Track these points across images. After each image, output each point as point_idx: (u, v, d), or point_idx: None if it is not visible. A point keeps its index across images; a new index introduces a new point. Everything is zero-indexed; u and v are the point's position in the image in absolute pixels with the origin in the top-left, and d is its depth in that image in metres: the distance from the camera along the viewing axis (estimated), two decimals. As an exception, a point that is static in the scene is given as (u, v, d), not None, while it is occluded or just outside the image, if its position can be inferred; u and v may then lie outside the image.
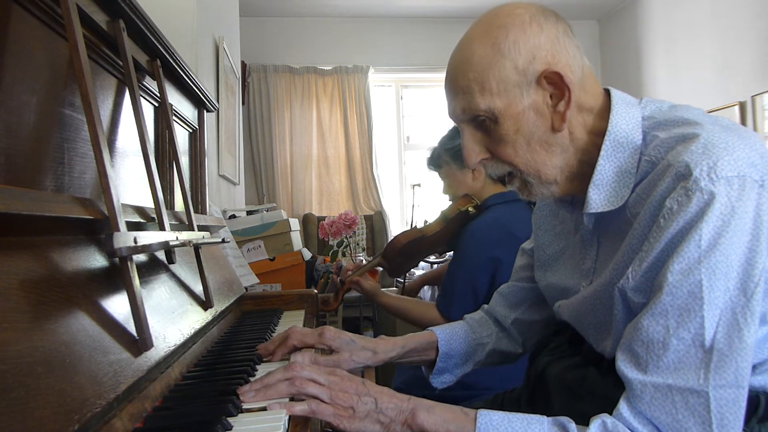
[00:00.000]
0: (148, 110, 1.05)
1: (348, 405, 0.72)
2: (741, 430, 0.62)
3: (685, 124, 0.71)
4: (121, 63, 0.86)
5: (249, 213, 2.71)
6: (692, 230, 0.63)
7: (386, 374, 2.47)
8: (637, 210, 0.72)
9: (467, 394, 1.41)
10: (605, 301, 0.76)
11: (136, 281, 0.70)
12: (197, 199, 1.40)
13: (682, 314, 0.63)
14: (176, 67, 1.10)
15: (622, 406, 0.66)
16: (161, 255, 0.94)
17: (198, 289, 1.06)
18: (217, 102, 2.53)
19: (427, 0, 4.83)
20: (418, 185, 2.40)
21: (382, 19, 5.15)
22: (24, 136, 0.63)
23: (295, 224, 2.57)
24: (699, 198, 0.63)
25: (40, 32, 0.67)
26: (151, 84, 1.03)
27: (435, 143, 1.78)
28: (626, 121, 0.75)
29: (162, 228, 0.86)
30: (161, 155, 1.11)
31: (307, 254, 2.55)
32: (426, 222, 1.76)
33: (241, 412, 0.70)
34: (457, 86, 0.78)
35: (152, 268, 0.89)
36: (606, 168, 0.75)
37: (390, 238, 4.72)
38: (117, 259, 0.71)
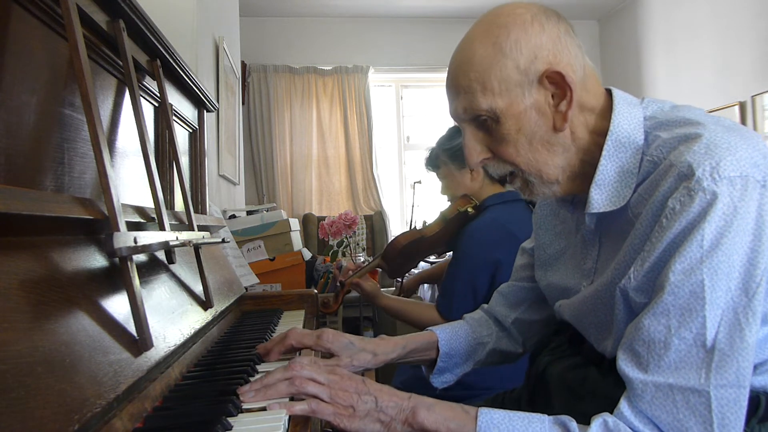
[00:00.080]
0: (148, 110, 1.05)
1: (348, 404, 0.72)
2: (742, 429, 0.62)
3: (688, 124, 0.71)
4: (121, 63, 0.86)
5: (249, 213, 2.71)
6: (694, 230, 0.63)
7: (386, 374, 2.47)
8: (639, 210, 0.72)
9: (467, 394, 1.41)
10: (606, 300, 0.76)
11: (136, 281, 0.70)
12: (197, 199, 1.40)
13: (684, 314, 0.63)
14: (176, 67, 1.10)
15: (623, 406, 0.66)
16: (161, 255, 0.94)
17: (198, 289, 1.06)
18: (217, 102, 2.53)
19: (427, 0, 4.83)
20: (419, 182, 2.40)
21: (382, 19, 5.15)
22: (24, 136, 0.63)
23: (295, 224, 2.57)
24: (701, 198, 0.63)
25: (40, 32, 0.67)
26: (151, 84, 1.03)
27: (434, 143, 1.78)
28: (628, 121, 0.75)
29: (162, 228, 0.86)
30: (161, 155, 1.11)
31: (307, 254, 2.55)
32: (425, 223, 1.76)
33: (241, 412, 0.70)
34: (459, 86, 0.77)
35: (152, 268, 0.89)
36: (608, 168, 0.75)
37: (390, 238, 4.73)
38: (117, 259, 0.71)
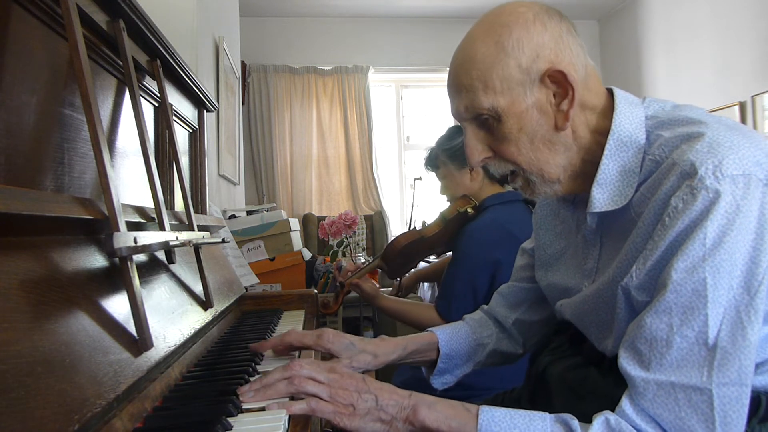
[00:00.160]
0: (148, 110, 1.05)
1: (348, 402, 0.72)
2: (744, 427, 0.62)
3: (690, 123, 0.71)
4: (121, 63, 0.86)
5: (249, 213, 2.71)
6: (697, 228, 0.63)
7: (386, 375, 2.47)
8: (641, 209, 0.72)
9: (467, 394, 1.40)
10: (608, 299, 0.76)
11: (136, 281, 0.70)
12: (197, 199, 1.40)
13: (686, 312, 0.63)
14: (176, 67, 1.10)
15: (625, 404, 0.66)
16: (161, 255, 0.94)
17: (198, 289, 1.06)
18: (217, 102, 2.53)
19: (427, 0, 4.83)
20: (420, 179, 2.40)
21: (382, 19, 5.15)
22: (24, 136, 0.63)
23: (295, 224, 2.57)
24: (704, 196, 0.63)
25: (40, 32, 0.67)
26: (151, 84, 1.03)
27: (434, 143, 1.78)
28: (630, 120, 0.75)
29: (162, 228, 0.86)
30: (161, 155, 1.11)
31: (307, 254, 2.55)
32: (424, 223, 1.76)
33: (241, 412, 0.70)
34: (461, 85, 0.77)
35: (152, 268, 0.89)
36: (610, 167, 0.75)
37: (390, 238, 4.74)
38: (117, 259, 0.71)
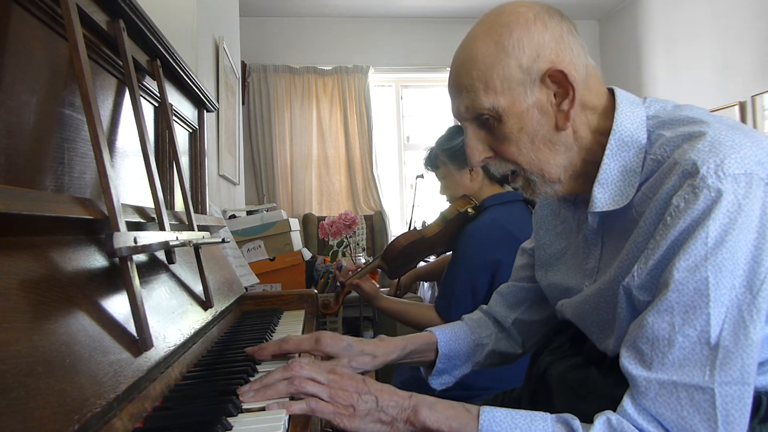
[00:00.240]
0: (148, 110, 1.05)
1: (348, 403, 0.72)
2: (746, 426, 0.62)
3: (691, 122, 0.71)
4: (121, 63, 0.86)
5: (249, 213, 2.70)
6: (699, 228, 0.63)
7: (385, 375, 2.47)
8: (643, 209, 0.72)
9: (466, 394, 1.41)
10: (609, 299, 0.76)
11: (136, 281, 0.70)
12: (197, 199, 1.40)
13: (688, 311, 0.63)
14: (176, 67, 1.10)
15: (627, 403, 0.66)
16: (161, 255, 0.94)
17: (198, 289, 1.06)
18: (217, 102, 2.53)
19: (427, 0, 4.83)
20: (421, 176, 2.40)
21: (382, 19, 5.15)
22: (24, 136, 0.63)
23: (295, 224, 2.57)
24: (706, 195, 0.63)
25: (40, 32, 0.67)
26: (151, 84, 1.03)
27: (434, 143, 1.78)
28: (631, 120, 0.75)
29: (162, 228, 0.86)
30: (161, 155, 1.11)
31: (307, 254, 2.55)
32: (424, 223, 1.76)
33: (241, 412, 0.70)
34: (461, 85, 0.77)
35: (152, 268, 0.89)
36: (611, 167, 0.75)
37: (390, 238, 4.74)
38: (117, 259, 0.71)
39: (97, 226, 0.69)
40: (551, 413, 0.70)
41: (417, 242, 1.70)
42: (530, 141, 0.76)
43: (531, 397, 0.98)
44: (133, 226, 0.79)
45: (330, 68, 5.04)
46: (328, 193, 5.07)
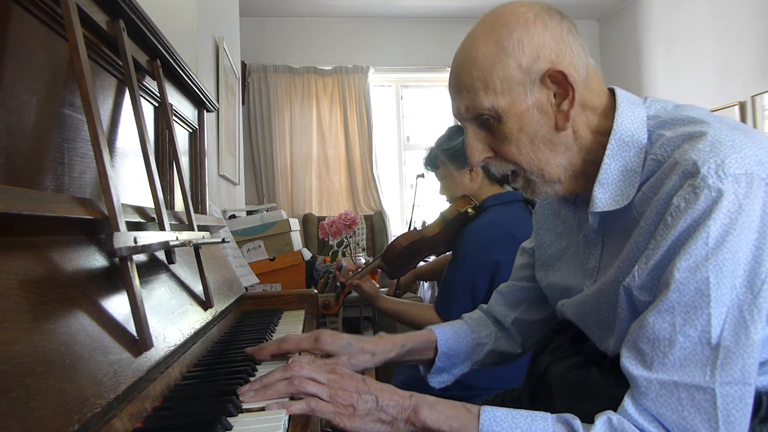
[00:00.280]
0: (148, 110, 1.05)
1: (348, 403, 0.72)
2: (748, 427, 0.62)
3: (692, 122, 0.71)
4: (121, 63, 0.86)
5: (249, 213, 2.70)
6: (700, 228, 0.63)
7: (385, 375, 2.47)
8: (644, 209, 0.72)
9: (466, 394, 1.40)
10: (610, 299, 0.76)
11: (136, 281, 0.70)
12: (197, 199, 1.40)
13: (689, 311, 0.63)
14: (176, 67, 1.10)
15: (627, 403, 0.66)
16: (161, 255, 0.94)
17: (198, 289, 1.06)
18: (217, 102, 2.53)
19: (427, 0, 4.83)
20: (422, 176, 2.40)
21: (382, 19, 5.15)
22: (24, 136, 0.63)
23: (295, 224, 2.57)
24: (707, 195, 0.63)
25: (40, 32, 0.67)
26: (151, 84, 1.03)
27: (433, 143, 1.78)
28: (631, 120, 0.75)
29: (162, 228, 0.86)
30: (161, 155, 1.11)
31: (307, 254, 2.55)
32: (424, 223, 1.76)
33: (241, 412, 0.70)
34: (461, 85, 0.78)
35: (152, 268, 0.88)
36: (611, 167, 0.75)
37: (390, 238, 4.73)
38: (117, 259, 0.71)
39: (97, 226, 0.69)
40: (552, 413, 0.70)
41: (417, 242, 1.70)
42: (530, 141, 0.76)
43: (531, 397, 0.98)
44: (133, 226, 0.79)
45: (330, 68, 5.04)
46: (328, 193, 5.07)
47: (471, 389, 1.44)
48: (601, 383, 0.80)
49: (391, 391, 0.74)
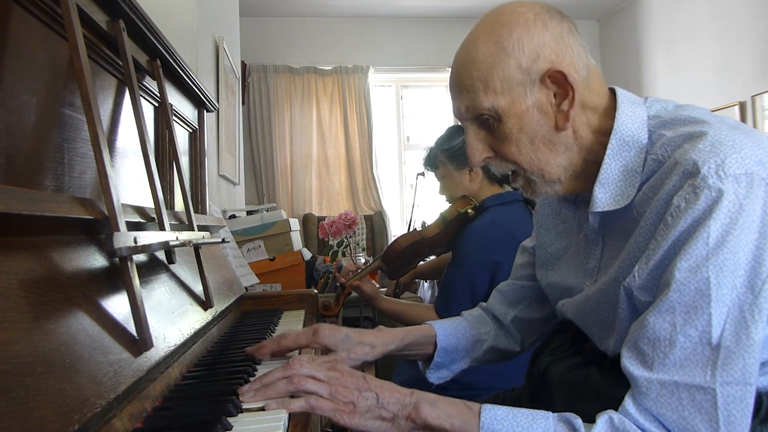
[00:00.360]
0: (148, 110, 1.05)
1: (348, 400, 0.72)
2: (749, 427, 0.62)
3: (692, 122, 0.71)
4: (121, 63, 0.86)
5: (249, 213, 2.70)
6: (700, 228, 0.63)
7: (386, 376, 2.47)
8: (644, 209, 0.72)
9: (466, 394, 1.39)
10: (610, 299, 0.76)
11: (136, 281, 0.70)
12: (197, 199, 1.40)
13: (690, 311, 0.63)
14: (176, 67, 1.10)
15: (628, 403, 0.66)
16: (161, 255, 0.93)
17: (198, 289, 1.06)
18: (217, 102, 2.53)
19: (427, 0, 4.83)
20: (422, 174, 2.40)
21: (382, 19, 5.15)
22: (24, 136, 0.63)
23: (295, 224, 2.57)
24: (707, 195, 0.63)
25: (40, 32, 0.67)
26: (151, 84, 1.03)
27: (433, 143, 1.78)
28: (632, 120, 0.75)
29: (162, 228, 0.86)
30: (161, 155, 1.11)
31: (307, 254, 2.55)
32: (424, 224, 1.76)
33: (241, 412, 0.70)
34: (461, 85, 0.78)
35: (152, 268, 0.88)
36: (612, 167, 0.75)
37: (390, 238, 4.73)
38: (117, 259, 0.71)
39: (97, 226, 0.69)
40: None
41: (417, 243, 1.70)
42: (530, 141, 0.76)
43: (531, 396, 0.98)
44: (133, 226, 0.79)
45: (330, 68, 5.04)
46: (328, 193, 5.07)
47: (471, 389, 1.44)
48: (601, 383, 0.80)
49: (391, 388, 0.74)
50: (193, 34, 2.17)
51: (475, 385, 1.45)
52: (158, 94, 1.05)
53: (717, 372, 0.62)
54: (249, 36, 4.51)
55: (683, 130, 0.71)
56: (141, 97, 0.94)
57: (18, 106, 0.62)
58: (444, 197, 1.78)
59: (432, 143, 1.78)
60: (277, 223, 2.32)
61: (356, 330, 0.96)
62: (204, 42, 2.39)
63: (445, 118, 5.10)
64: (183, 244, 0.90)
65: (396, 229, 5.03)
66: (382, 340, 0.97)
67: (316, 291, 1.59)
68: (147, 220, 0.84)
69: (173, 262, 0.96)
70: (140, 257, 0.85)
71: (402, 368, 1.68)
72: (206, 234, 1.10)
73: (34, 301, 0.53)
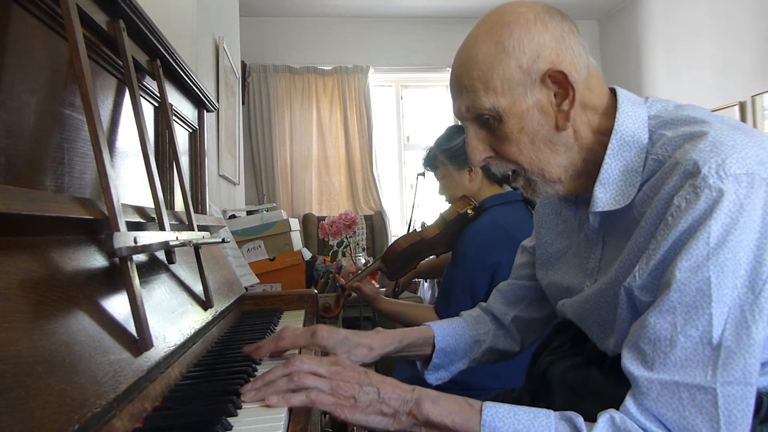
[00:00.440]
0: (148, 110, 1.05)
1: (349, 395, 0.72)
2: (749, 427, 0.62)
3: (693, 122, 0.71)
4: (121, 63, 0.86)
5: (249, 213, 2.70)
6: (701, 228, 0.63)
7: (386, 374, 2.47)
8: (644, 209, 0.72)
9: (465, 394, 1.40)
10: (610, 299, 0.76)
11: (136, 281, 0.70)
12: (197, 199, 1.40)
13: (690, 311, 0.63)
14: (176, 67, 1.10)
15: (629, 403, 0.66)
16: (161, 255, 0.93)
17: (198, 289, 1.06)
18: (217, 102, 2.53)
19: (427, 0, 4.83)
20: (423, 174, 2.40)
21: (382, 19, 5.15)
22: (24, 136, 0.63)
23: (295, 224, 2.57)
24: (707, 195, 0.63)
25: (40, 32, 0.67)
26: (151, 84, 1.03)
27: (432, 143, 1.77)
28: (633, 119, 0.75)
29: (162, 228, 0.85)
30: (161, 155, 1.11)
31: (307, 254, 2.55)
32: (424, 224, 1.76)
33: (239, 408, 0.70)
34: (462, 85, 0.78)
35: (152, 268, 0.88)
36: (612, 167, 0.75)
37: (390, 238, 4.73)
38: (117, 259, 0.71)
39: (97, 226, 0.69)
40: (553, 412, 0.70)
41: (417, 244, 1.70)
42: (531, 141, 0.76)
43: (531, 397, 0.98)
44: (133, 226, 0.79)
45: (330, 68, 5.04)
46: (328, 193, 5.07)
47: (471, 389, 1.44)
48: (601, 383, 0.80)
49: (393, 383, 0.74)
50: (193, 34, 2.17)
51: (474, 386, 1.45)
52: (158, 94, 1.05)
53: (718, 372, 0.62)
54: (249, 36, 4.51)
55: (684, 130, 0.71)
56: (141, 97, 0.94)
57: (18, 106, 0.62)
58: (444, 197, 1.78)
59: (432, 143, 1.78)
60: (277, 223, 2.32)
61: (354, 332, 0.96)
62: (204, 42, 2.39)
63: (445, 118, 5.10)
64: (183, 244, 0.90)
65: (396, 229, 5.03)
66: (380, 341, 0.97)
67: (316, 291, 1.59)
68: (147, 220, 0.84)
69: (173, 262, 0.96)
70: (140, 257, 0.85)
71: (402, 368, 1.68)
72: (206, 234, 1.10)
73: (34, 301, 0.53)
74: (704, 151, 0.65)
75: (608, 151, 0.75)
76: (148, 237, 0.74)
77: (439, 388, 1.06)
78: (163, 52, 1.02)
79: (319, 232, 2.80)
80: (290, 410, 0.72)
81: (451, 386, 1.09)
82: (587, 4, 5.06)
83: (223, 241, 1.28)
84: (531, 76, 0.74)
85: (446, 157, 1.69)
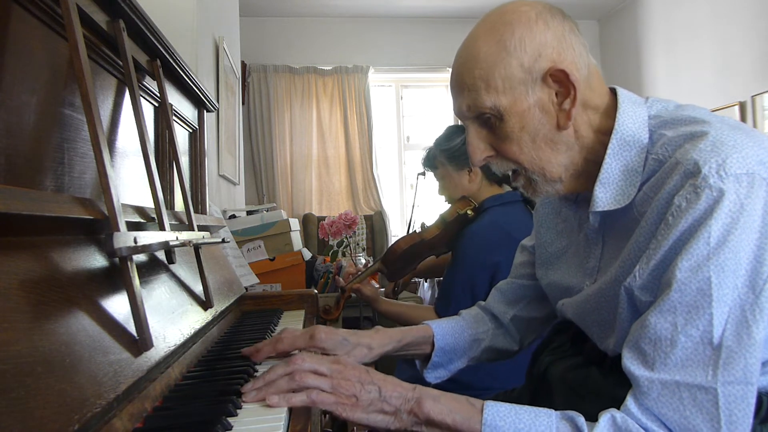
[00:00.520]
0: (148, 110, 1.05)
1: (350, 393, 0.72)
2: (750, 426, 0.62)
3: (693, 122, 0.71)
4: (121, 63, 0.85)
5: (249, 213, 2.71)
6: (701, 227, 0.63)
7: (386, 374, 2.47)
8: (645, 208, 0.72)
9: (465, 394, 1.40)
10: (610, 299, 0.76)
11: (136, 281, 0.70)
12: (197, 199, 1.40)
13: (691, 311, 0.63)
14: (176, 67, 1.10)
15: (630, 403, 0.66)
16: (161, 255, 0.93)
17: (198, 289, 1.06)
18: (217, 102, 2.53)
19: (427, 0, 4.83)
20: (423, 174, 2.41)
21: (382, 19, 5.15)
22: (24, 136, 0.63)
23: (295, 224, 2.57)
24: (708, 195, 0.63)
25: (40, 32, 0.67)
26: (151, 84, 1.03)
27: (432, 143, 1.77)
28: (633, 119, 0.75)
29: (162, 228, 0.85)
30: (161, 155, 1.11)
31: (307, 254, 2.55)
32: (423, 225, 1.76)
33: (239, 408, 0.70)
34: (463, 84, 0.78)
35: (152, 268, 0.88)
36: (612, 166, 0.75)
37: (390, 238, 4.73)
38: (117, 259, 0.71)
39: (97, 226, 0.69)
40: (553, 412, 0.70)
41: (417, 245, 1.70)
42: (531, 140, 0.76)
43: (531, 396, 0.98)
44: (133, 226, 0.79)
45: (330, 68, 5.04)
46: (328, 193, 5.07)
47: (471, 388, 1.43)
48: (601, 383, 0.80)
49: (394, 382, 0.74)
50: (193, 34, 2.17)
51: (474, 386, 1.45)
52: (158, 94, 1.05)
53: (718, 372, 0.62)
54: (249, 36, 4.51)
55: (684, 130, 0.71)
56: (141, 97, 0.94)
57: (18, 106, 0.62)
58: (443, 197, 1.78)
59: (432, 143, 1.78)
60: (277, 223, 2.32)
61: (353, 332, 0.96)
62: (204, 42, 2.39)
63: (445, 118, 5.10)
64: (183, 244, 0.90)
65: (396, 229, 5.03)
66: (379, 341, 0.97)
67: (316, 291, 1.59)
68: (147, 220, 0.84)
69: (173, 262, 0.96)
70: (140, 257, 0.85)
71: (402, 368, 1.68)
72: (206, 234, 1.10)
73: (34, 301, 0.53)
74: (705, 150, 0.65)
75: (608, 151, 0.75)
76: (148, 237, 0.74)
77: (438, 387, 1.06)
78: (163, 52, 1.02)
79: (319, 232, 2.80)
80: (290, 410, 0.72)
81: (451, 386, 1.09)
82: (587, 4, 5.06)
83: (223, 241, 1.28)
84: (532, 75, 0.74)
85: (446, 157, 1.69)
